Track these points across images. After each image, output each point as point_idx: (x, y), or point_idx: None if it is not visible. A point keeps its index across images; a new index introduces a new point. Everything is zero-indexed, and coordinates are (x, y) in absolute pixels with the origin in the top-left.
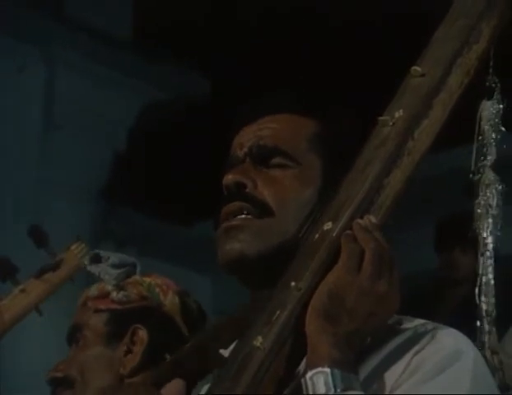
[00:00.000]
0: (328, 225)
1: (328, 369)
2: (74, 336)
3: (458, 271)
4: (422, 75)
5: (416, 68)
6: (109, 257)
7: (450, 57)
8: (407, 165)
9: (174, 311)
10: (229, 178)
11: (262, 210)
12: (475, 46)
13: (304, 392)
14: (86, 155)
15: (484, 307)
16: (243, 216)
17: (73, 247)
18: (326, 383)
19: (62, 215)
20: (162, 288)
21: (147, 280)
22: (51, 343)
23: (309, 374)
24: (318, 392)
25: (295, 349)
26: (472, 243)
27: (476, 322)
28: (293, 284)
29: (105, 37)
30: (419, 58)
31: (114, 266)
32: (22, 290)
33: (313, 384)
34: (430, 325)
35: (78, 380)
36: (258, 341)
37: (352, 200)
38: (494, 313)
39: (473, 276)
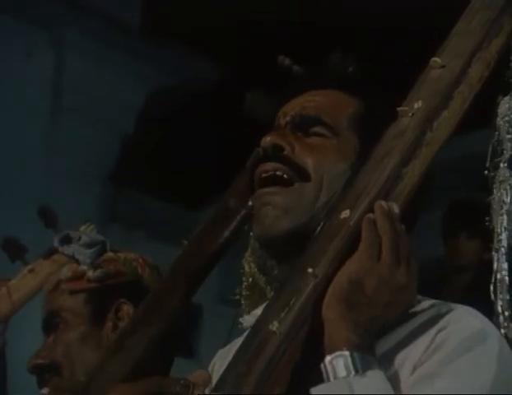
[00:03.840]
0: (345, 213)
1: (347, 352)
2: (51, 322)
3: (464, 257)
4: (442, 66)
5: (436, 60)
6: (80, 238)
7: (470, 50)
8: (425, 156)
9: (154, 284)
10: (267, 141)
11: (299, 173)
12: (495, 40)
13: (325, 376)
14: (94, 138)
15: (500, 303)
16: (276, 187)
17: (82, 228)
18: (346, 366)
19: (70, 198)
20: (138, 262)
21: (122, 255)
22: None
23: (328, 358)
24: (339, 375)
25: (309, 335)
26: (479, 230)
27: (482, 309)
28: (310, 270)
29: (114, 22)
30: (438, 50)
31: (86, 245)
32: (31, 270)
33: (333, 368)
34: (451, 304)
35: (64, 364)
36: (274, 326)
37: (371, 189)
38: (509, 310)
39: (479, 263)
